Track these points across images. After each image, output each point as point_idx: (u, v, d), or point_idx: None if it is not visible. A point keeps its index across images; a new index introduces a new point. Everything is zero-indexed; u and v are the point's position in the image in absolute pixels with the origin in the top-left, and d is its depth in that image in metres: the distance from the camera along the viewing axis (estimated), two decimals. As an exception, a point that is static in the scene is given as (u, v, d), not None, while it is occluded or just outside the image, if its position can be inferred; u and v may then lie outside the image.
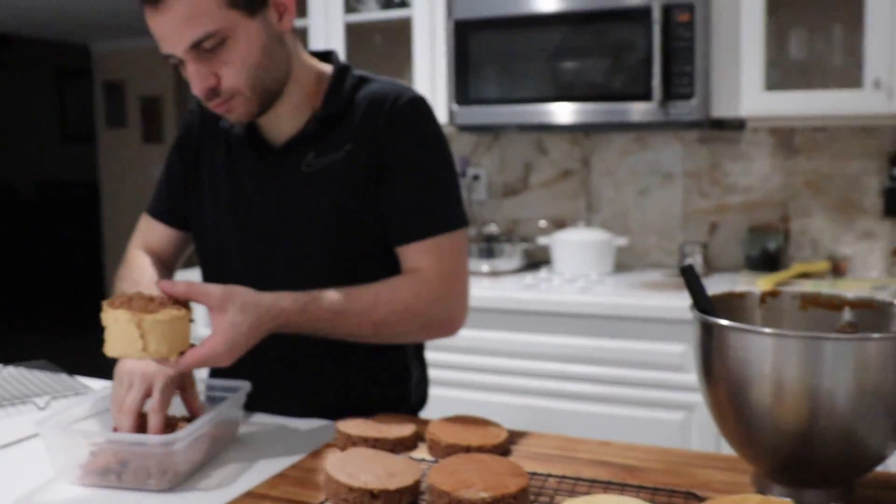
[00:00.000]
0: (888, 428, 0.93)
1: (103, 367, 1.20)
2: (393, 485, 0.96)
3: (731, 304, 1.11)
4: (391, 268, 1.38)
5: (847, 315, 1.09)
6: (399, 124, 1.35)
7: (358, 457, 1.04)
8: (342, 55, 2.97)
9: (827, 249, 2.80)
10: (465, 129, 2.97)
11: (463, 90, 2.77)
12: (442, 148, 1.39)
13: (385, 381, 1.46)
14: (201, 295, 1.14)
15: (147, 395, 1.19)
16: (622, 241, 2.90)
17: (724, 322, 0.95)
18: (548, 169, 3.15)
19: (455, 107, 2.78)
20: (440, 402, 2.44)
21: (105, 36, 6.33)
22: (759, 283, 2.51)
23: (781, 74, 2.70)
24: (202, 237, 1.49)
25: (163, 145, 6.14)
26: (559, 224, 3.13)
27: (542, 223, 3.13)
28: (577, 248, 2.85)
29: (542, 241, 2.97)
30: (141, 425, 1.18)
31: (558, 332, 2.51)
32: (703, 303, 1.03)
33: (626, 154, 3.03)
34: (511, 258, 2.98)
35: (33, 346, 6.37)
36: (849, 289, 2.44)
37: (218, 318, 1.15)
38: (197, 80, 1.25)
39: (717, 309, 1.04)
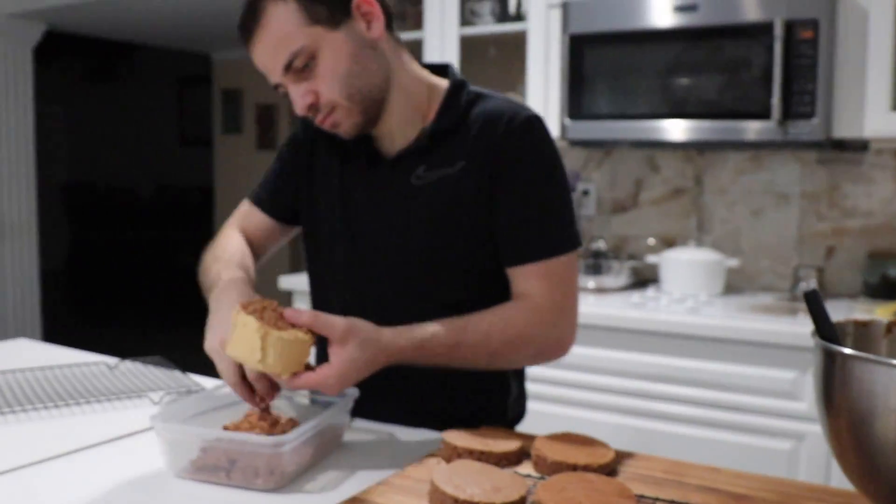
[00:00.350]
0: None
1: (213, 366, 1.23)
2: (499, 499, 0.95)
3: (854, 333, 1.06)
4: (495, 285, 1.37)
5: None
6: (514, 144, 1.34)
7: (465, 469, 1.04)
8: (456, 67, 2.99)
9: (953, 279, 2.67)
10: (576, 143, 2.94)
11: (576, 104, 2.75)
12: (557, 168, 1.37)
13: (484, 395, 1.46)
14: (325, 327, 1.15)
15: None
16: (733, 262, 2.83)
17: (849, 351, 0.91)
18: (659, 186, 3.10)
19: (567, 121, 2.76)
20: (541, 417, 2.43)
21: (225, 45, 6.53)
22: (879, 312, 2.41)
23: (909, 95, 2.59)
24: (311, 241, 1.51)
25: (276, 152, 6.30)
26: (668, 242, 3.07)
27: (651, 241, 3.08)
28: (686, 267, 2.79)
29: (651, 259, 2.93)
30: (254, 426, 1.21)
31: (664, 353, 2.46)
32: (827, 330, 0.99)
33: (740, 173, 2.96)
34: (618, 275, 2.93)
35: (147, 341, 6.60)
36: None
37: (337, 350, 1.16)
38: (297, 98, 1.31)
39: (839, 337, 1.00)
